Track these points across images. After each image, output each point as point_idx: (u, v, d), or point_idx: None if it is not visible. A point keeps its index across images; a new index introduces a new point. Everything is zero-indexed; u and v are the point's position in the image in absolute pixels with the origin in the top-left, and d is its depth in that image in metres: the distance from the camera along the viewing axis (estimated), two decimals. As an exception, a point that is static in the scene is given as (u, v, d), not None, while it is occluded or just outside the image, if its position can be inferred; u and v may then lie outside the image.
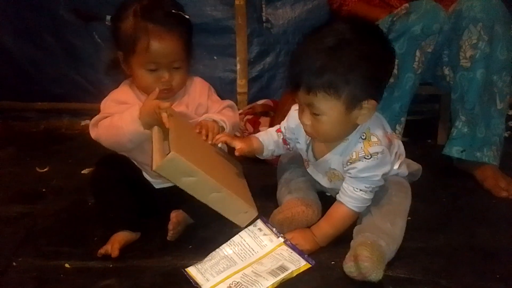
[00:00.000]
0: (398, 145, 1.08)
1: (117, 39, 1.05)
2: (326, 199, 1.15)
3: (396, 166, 1.07)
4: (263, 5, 1.82)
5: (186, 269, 0.92)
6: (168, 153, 0.90)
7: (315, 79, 0.88)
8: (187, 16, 1.06)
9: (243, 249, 0.95)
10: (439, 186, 1.28)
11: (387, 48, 0.94)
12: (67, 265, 0.96)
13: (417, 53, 1.30)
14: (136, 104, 1.04)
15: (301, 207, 1.05)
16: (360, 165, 0.95)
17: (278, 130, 1.16)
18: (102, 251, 0.97)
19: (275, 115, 1.66)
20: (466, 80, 1.29)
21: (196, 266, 0.92)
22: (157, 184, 1.13)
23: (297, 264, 0.89)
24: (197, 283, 0.88)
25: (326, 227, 1.00)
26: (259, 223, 0.99)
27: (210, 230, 1.07)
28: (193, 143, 1.04)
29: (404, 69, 1.34)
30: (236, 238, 0.97)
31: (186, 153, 0.92)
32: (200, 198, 0.95)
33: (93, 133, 1.07)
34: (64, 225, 1.12)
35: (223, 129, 1.12)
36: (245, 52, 1.85)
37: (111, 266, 0.95)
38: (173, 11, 1.04)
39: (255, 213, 1.00)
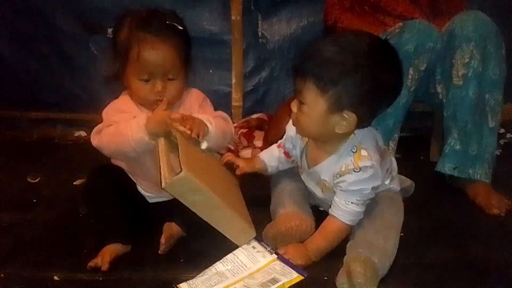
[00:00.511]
0: (391, 161, 1.09)
1: (114, 49, 1.05)
2: (320, 214, 1.15)
3: (387, 181, 1.07)
4: (259, 21, 1.84)
5: (178, 285, 0.91)
6: (179, 170, 0.90)
7: (311, 67, 0.90)
8: (180, 28, 1.05)
9: (236, 265, 0.94)
10: (431, 202, 1.28)
11: (395, 79, 0.94)
12: (55, 277, 0.95)
13: (410, 71, 1.32)
14: (139, 113, 1.04)
15: (295, 221, 1.04)
16: (349, 178, 0.96)
17: (279, 146, 1.18)
18: (92, 264, 0.96)
19: (269, 129, 1.66)
20: (459, 98, 1.31)
21: (188, 282, 0.91)
22: (151, 198, 1.12)
23: (289, 276, 0.89)
24: (187, 297, 0.88)
25: (319, 241, 1.00)
26: (254, 241, 1.00)
27: (202, 243, 1.06)
28: (199, 158, 1.04)
29: None
30: (229, 256, 0.97)
31: (195, 171, 0.93)
32: (202, 216, 0.95)
33: (95, 141, 1.06)
34: (54, 236, 1.11)
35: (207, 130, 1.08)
36: (240, 66, 1.86)
37: (100, 279, 0.94)
38: (168, 22, 1.04)
39: (253, 234, 1.01)
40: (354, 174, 0.96)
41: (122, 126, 1.01)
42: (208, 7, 1.79)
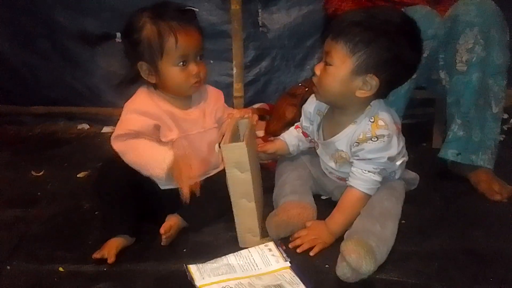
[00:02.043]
0: (403, 142, 1.10)
1: (137, 51, 1.05)
2: (322, 203, 1.16)
3: (398, 162, 1.08)
4: (259, 10, 1.83)
5: (188, 265, 0.92)
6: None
7: (344, 29, 0.96)
8: (196, 9, 1.10)
9: (248, 262, 0.95)
10: (433, 189, 1.28)
11: (416, 56, 1.00)
12: (61, 269, 0.96)
13: None
14: (159, 115, 1.07)
15: (297, 209, 1.06)
16: (367, 146, 1.00)
17: (297, 127, 1.22)
18: (97, 255, 0.97)
19: (271, 119, 1.66)
20: (462, 84, 1.30)
21: (198, 265, 0.93)
22: (162, 184, 1.10)
23: (295, 287, 0.87)
24: (192, 278, 0.89)
25: (339, 215, 1.03)
26: (271, 244, 0.99)
27: (206, 234, 1.07)
28: (253, 148, 1.12)
29: None
30: (244, 252, 0.97)
31: (250, 152, 0.98)
32: (231, 196, 0.99)
33: (117, 147, 1.05)
34: (58, 229, 1.12)
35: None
36: (241, 56, 1.86)
37: (105, 270, 0.95)
38: (183, 8, 1.08)
39: (258, 242, 1.01)
40: (371, 143, 1.00)
41: (147, 154, 1.02)
42: (207, -3, 1.78)
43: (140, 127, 1.05)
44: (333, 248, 0.98)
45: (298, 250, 1.00)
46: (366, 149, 1.00)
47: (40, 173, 1.43)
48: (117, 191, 1.05)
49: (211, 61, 1.85)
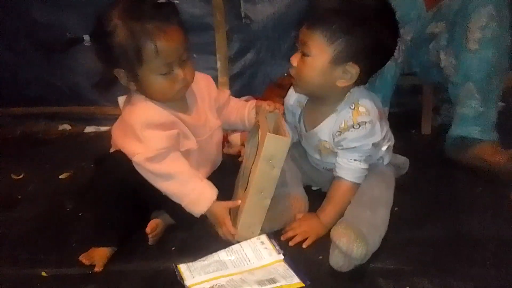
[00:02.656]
0: (388, 126, 1.08)
1: (111, 56, 0.92)
2: (313, 194, 1.14)
3: (384, 147, 1.06)
4: (241, 1, 1.79)
5: (177, 265, 0.89)
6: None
7: (319, 18, 0.92)
8: (177, 1, 0.99)
9: (240, 257, 0.92)
10: (424, 176, 1.26)
11: (393, 41, 0.97)
12: (43, 273, 0.92)
13: None
14: (174, 122, 0.98)
15: (288, 201, 1.05)
16: (349, 135, 0.97)
17: None
18: (86, 261, 0.93)
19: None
20: (477, 61, 1.27)
21: (188, 263, 0.90)
22: None
23: (289, 280, 0.85)
24: (182, 278, 0.86)
25: (329, 207, 1.01)
26: (263, 237, 0.97)
27: (194, 230, 1.04)
28: None
29: None
30: (235, 246, 0.94)
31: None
32: (250, 186, 0.94)
33: (154, 169, 0.95)
34: (40, 232, 1.08)
35: None
36: (225, 49, 1.82)
37: (89, 272, 0.92)
38: (158, 1, 0.92)
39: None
40: (353, 130, 0.97)
41: (188, 190, 0.96)
42: (187, -11, 1.73)
43: (168, 143, 0.95)
44: (326, 239, 0.95)
45: (290, 243, 0.98)
46: (349, 137, 0.98)
47: (21, 176, 1.38)
48: (112, 200, 0.96)
49: (194, 55, 1.81)
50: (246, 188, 1.00)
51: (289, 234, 0.99)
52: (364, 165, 1.00)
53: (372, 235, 0.90)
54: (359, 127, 0.97)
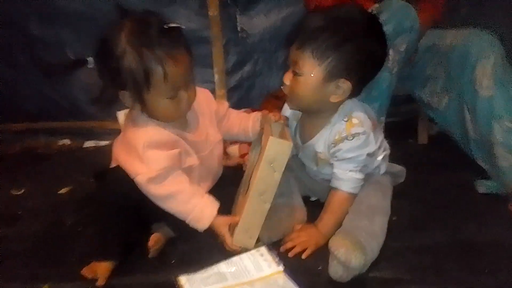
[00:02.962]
0: (383, 139, 1.09)
1: (117, 79, 0.92)
2: (311, 204, 1.15)
3: (380, 157, 1.07)
4: (238, 15, 1.81)
5: (177, 277, 0.89)
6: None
7: (308, 38, 0.93)
8: (183, 26, 0.96)
9: (239, 269, 0.92)
10: (422, 183, 1.27)
11: (383, 51, 0.99)
12: (45, 287, 0.92)
13: (391, 52, 1.31)
14: (176, 141, 0.99)
15: (287, 211, 1.05)
16: (344, 146, 0.98)
17: None
18: (88, 275, 0.93)
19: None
20: (502, 100, 1.23)
21: (187, 276, 0.90)
22: None
23: None
24: (181, 290, 0.86)
25: (327, 217, 1.01)
26: (263, 249, 0.97)
27: (194, 242, 1.04)
28: None
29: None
30: (235, 258, 0.94)
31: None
32: (251, 189, 0.95)
33: (155, 192, 0.96)
34: (41, 247, 1.08)
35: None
36: (222, 62, 1.84)
37: (90, 287, 0.91)
38: (165, 26, 0.92)
39: (252, 246, 0.98)
40: (347, 142, 0.98)
41: (190, 207, 0.97)
42: (184, 4, 1.76)
43: (170, 162, 0.96)
44: (325, 250, 0.95)
45: (290, 254, 0.98)
46: (344, 149, 0.99)
47: (21, 191, 1.39)
48: (114, 214, 0.96)
49: (192, 69, 1.83)
50: (246, 192, 1.00)
51: (288, 245, 0.99)
52: (359, 175, 1.01)
53: (370, 244, 0.91)
54: (353, 138, 0.98)
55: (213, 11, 1.77)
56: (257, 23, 1.83)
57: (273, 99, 1.65)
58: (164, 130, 0.99)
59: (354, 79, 0.95)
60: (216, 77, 1.85)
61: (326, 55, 0.92)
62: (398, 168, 1.18)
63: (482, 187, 1.22)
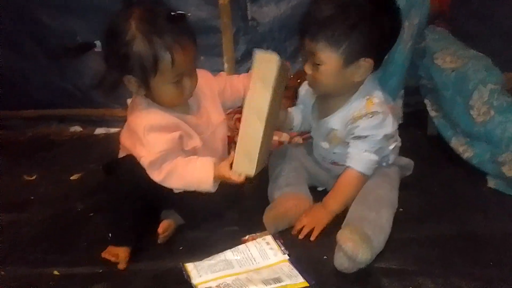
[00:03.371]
0: (396, 123, 1.08)
1: (125, 65, 0.93)
2: (317, 194, 1.15)
3: (391, 146, 1.08)
4: (248, 3, 1.80)
5: (184, 264, 0.91)
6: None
7: (319, 28, 0.94)
8: (189, 14, 1.00)
9: (245, 257, 0.94)
10: (429, 175, 1.26)
11: (396, 20, 0.99)
12: (55, 272, 0.95)
13: (406, 23, 1.28)
14: (180, 125, 1.01)
15: (293, 201, 1.05)
16: (362, 123, 1.00)
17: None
18: (111, 258, 0.95)
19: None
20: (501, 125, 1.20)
21: (195, 263, 0.92)
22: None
23: (294, 280, 0.87)
24: (189, 276, 0.88)
25: (335, 194, 1.03)
26: (269, 237, 0.98)
27: (202, 230, 1.06)
28: (279, 91, 1.00)
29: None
30: (241, 247, 0.96)
31: (277, 79, 0.93)
32: (244, 109, 0.94)
33: (155, 176, 0.97)
34: (52, 232, 1.11)
35: None
36: (231, 51, 1.84)
37: (100, 271, 0.94)
38: (173, 13, 0.95)
39: (252, 171, 0.95)
40: (366, 120, 0.99)
41: (189, 176, 0.99)
42: (194, -7, 1.75)
43: (170, 145, 0.98)
44: (332, 239, 0.96)
45: (300, 236, 0.99)
46: (361, 126, 1.00)
47: (33, 177, 1.42)
48: (127, 203, 0.98)
49: (202, 57, 1.83)
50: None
51: (297, 226, 1.01)
52: (374, 157, 1.01)
53: (377, 236, 0.91)
54: (372, 116, 0.99)
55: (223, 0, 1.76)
56: (267, 12, 1.82)
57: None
58: (165, 113, 1.00)
59: (373, 56, 0.97)
60: (226, 66, 1.85)
61: (341, 41, 0.93)
62: (406, 160, 1.18)
63: (492, 182, 1.21)
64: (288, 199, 1.05)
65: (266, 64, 0.92)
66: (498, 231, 1.00)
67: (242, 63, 1.88)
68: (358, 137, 1.01)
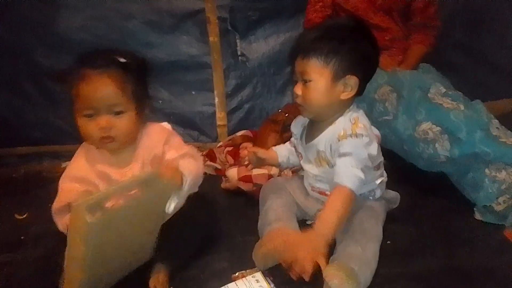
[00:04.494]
0: (380, 154, 1.13)
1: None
2: (307, 228, 1.16)
3: (377, 181, 1.11)
4: (237, 41, 1.87)
5: None
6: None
7: (309, 46, 1.03)
8: (124, 60, 1.00)
9: None
10: (417, 207, 1.28)
11: (375, 51, 1.09)
12: (48, 314, 0.94)
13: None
14: (95, 181, 1.02)
15: (282, 237, 1.04)
16: (347, 142, 1.03)
17: (289, 142, 1.25)
18: None
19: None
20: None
21: None
22: None
23: None
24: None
25: (326, 214, 0.98)
26: (258, 275, 0.98)
27: (192, 267, 1.05)
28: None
29: None
30: (231, 285, 0.96)
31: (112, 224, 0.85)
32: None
33: (60, 227, 0.99)
34: (44, 273, 1.09)
35: (183, 181, 1.00)
36: (222, 86, 1.89)
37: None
38: (111, 57, 0.99)
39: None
40: (351, 139, 1.02)
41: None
42: (185, 31, 1.82)
43: (72, 197, 0.93)
44: (321, 276, 0.97)
45: (293, 278, 0.95)
46: (346, 144, 1.03)
47: (24, 216, 1.41)
48: None
49: (193, 92, 1.88)
50: None
51: (290, 261, 0.94)
52: (361, 174, 1.00)
53: (364, 271, 0.92)
54: (357, 137, 1.02)
55: (213, 37, 1.82)
56: (256, 48, 1.89)
57: (270, 123, 1.68)
58: (88, 164, 1.03)
59: (358, 74, 1.04)
60: (217, 100, 1.90)
61: (330, 57, 1.02)
62: (393, 194, 1.20)
63: (479, 214, 1.21)
64: (277, 235, 1.04)
65: (76, 217, 0.81)
66: (484, 265, 1.01)
67: (232, 97, 1.93)
68: (344, 154, 1.02)
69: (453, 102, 1.26)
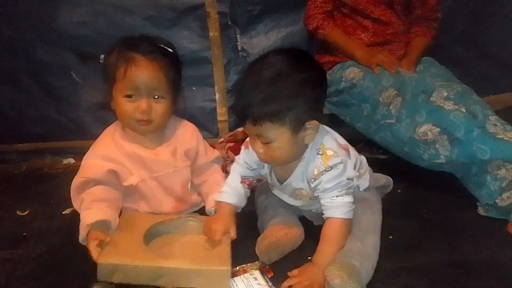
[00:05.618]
0: (356, 157, 1.10)
1: (103, 73, 1.08)
2: (307, 222, 1.16)
3: (364, 177, 1.10)
4: (238, 35, 1.85)
5: None
6: None
7: (259, 111, 0.92)
8: (170, 50, 1.08)
9: None
10: (419, 201, 1.28)
11: (319, 70, 1.00)
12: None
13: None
14: (122, 161, 1.07)
15: (284, 230, 1.06)
16: (324, 178, 0.99)
17: (243, 181, 1.15)
18: None
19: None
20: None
21: None
22: None
23: None
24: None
25: (324, 247, 0.98)
26: (257, 273, 0.99)
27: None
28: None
29: None
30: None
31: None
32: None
33: (75, 204, 1.09)
34: (45, 270, 1.10)
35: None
36: (223, 81, 1.88)
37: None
38: (157, 44, 1.07)
39: None
40: (327, 174, 0.99)
41: (82, 212, 1.05)
42: (186, 26, 1.80)
43: (95, 174, 1.05)
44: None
45: None
46: (324, 180, 0.99)
47: (26, 213, 1.42)
48: None
49: (193, 88, 1.87)
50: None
51: (289, 282, 0.94)
52: (348, 199, 1.00)
53: (365, 266, 0.92)
54: (332, 169, 0.99)
55: (213, 32, 1.81)
56: (257, 43, 1.87)
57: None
58: (116, 144, 1.08)
59: (315, 115, 0.97)
60: (217, 95, 1.89)
61: (283, 116, 0.93)
62: (384, 180, 1.19)
63: (483, 210, 1.21)
64: (279, 228, 1.06)
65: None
66: (487, 259, 1.01)
67: (233, 92, 1.91)
68: (324, 190, 1.00)
69: (454, 105, 1.25)
